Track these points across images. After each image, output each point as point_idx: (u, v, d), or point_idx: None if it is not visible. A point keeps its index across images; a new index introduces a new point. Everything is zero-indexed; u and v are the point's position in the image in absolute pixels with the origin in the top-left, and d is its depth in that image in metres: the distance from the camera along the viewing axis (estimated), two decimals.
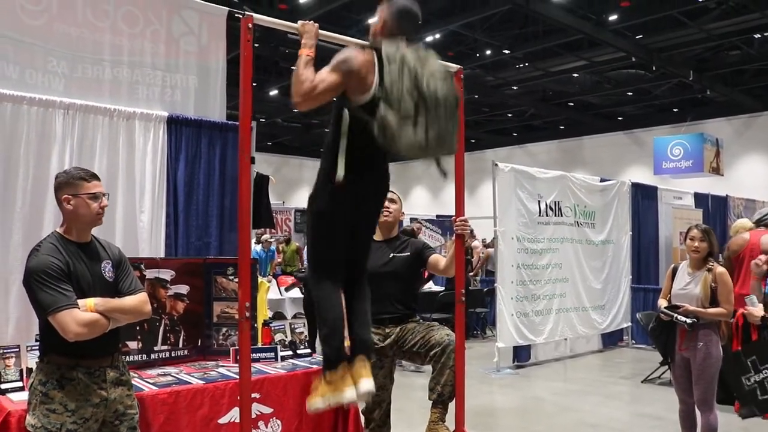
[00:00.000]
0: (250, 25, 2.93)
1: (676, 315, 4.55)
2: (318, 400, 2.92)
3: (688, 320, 4.49)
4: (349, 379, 2.94)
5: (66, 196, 2.73)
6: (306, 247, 3.33)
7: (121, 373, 2.84)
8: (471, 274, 12.38)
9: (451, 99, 2.82)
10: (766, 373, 4.39)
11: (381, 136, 2.73)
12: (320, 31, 3.17)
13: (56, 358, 2.66)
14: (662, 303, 4.75)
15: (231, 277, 4.11)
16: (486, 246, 15.36)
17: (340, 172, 2.87)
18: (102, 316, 2.66)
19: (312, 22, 3.14)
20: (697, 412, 4.63)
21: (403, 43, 2.85)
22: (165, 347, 3.93)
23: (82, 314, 2.58)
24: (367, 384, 2.94)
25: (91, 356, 2.70)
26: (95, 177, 2.83)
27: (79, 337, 2.56)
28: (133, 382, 3.01)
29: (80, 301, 2.62)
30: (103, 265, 2.81)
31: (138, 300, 2.85)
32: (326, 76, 2.81)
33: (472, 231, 16.08)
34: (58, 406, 2.62)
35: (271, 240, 15.50)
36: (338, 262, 3.14)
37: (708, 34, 13.66)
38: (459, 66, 3.89)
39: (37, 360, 2.77)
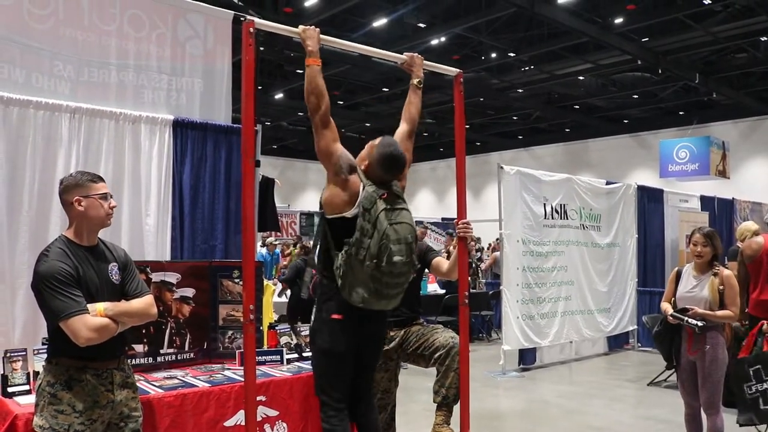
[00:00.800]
0: (251, 30, 2.95)
1: (686, 318, 4.52)
2: None
3: (699, 323, 4.47)
4: None
5: (77, 197, 2.74)
6: (315, 381, 3.52)
7: (127, 376, 2.85)
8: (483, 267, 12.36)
9: (406, 268, 3.24)
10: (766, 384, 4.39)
11: (337, 276, 3.20)
12: (322, 36, 3.21)
13: (65, 360, 2.68)
14: (666, 307, 4.72)
15: (237, 280, 4.11)
16: (480, 249, 15.32)
17: (336, 314, 3.29)
18: (111, 320, 2.67)
19: (313, 27, 3.21)
20: (703, 415, 4.61)
21: (381, 201, 3.18)
22: (171, 350, 3.93)
23: (92, 320, 2.60)
24: None
25: (99, 358, 2.71)
26: (101, 179, 2.86)
27: (89, 342, 2.58)
28: (139, 384, 3.02)
29: (90, 306, 2.63)
30: (110, 268, 2.83)
31: (145, 303, 2.86)
32: (331, 143, 3.29)
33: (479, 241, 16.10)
34: (66, 407, 2.63)
35: (276, 243, 15.52)
36: (347, 394, 3.41)
37: (714, 37, 13.64)
38: (458, 70, 3.90)
39: (44, 362, 2.79)
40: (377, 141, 3.34)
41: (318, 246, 3.43)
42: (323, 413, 3.38)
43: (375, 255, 3.07)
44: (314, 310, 3.43)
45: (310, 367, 3.89)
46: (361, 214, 3.13)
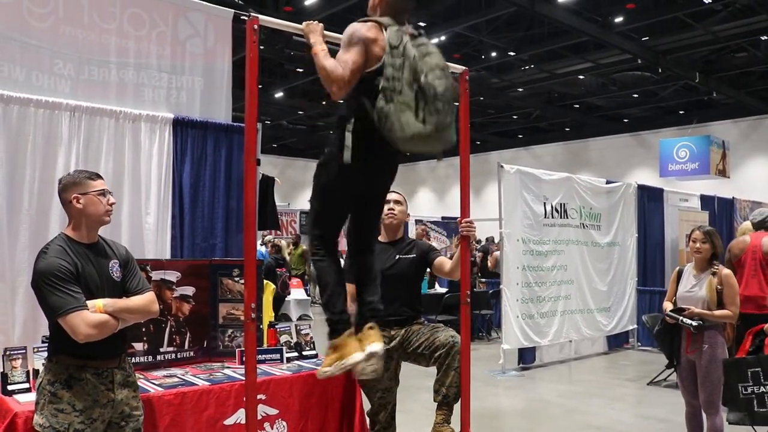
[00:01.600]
0: (255, 27, 2.93)
1: (681, 318, 4.54)
2: (326, 368, 2.95)
3: (694, 323, 4.47)
4: (355, 344, 2.96)
5: (75, 195, 2.76)
6: (308, 214, 3.34)
7: (128, 375, 2.85)
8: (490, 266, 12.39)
9: (449, 93, 2.88)
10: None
11: (381, 125, 2.81)
12: (325, 32, 3.18)
13: (65, 359, 2.68)
14: (667, 306, 4.74)
15: (237, 279, 4.11)
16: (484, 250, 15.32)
17: (347, 154, 2.92)
18: (111, 316, 2.67)
19: (316, 22, 3.16)
20: (703, 415, 4.62)
21: (407, 35, 2.90)
22: (171, 348, 3.94)
23: (91, 316, 2.60)
24: (376, 347, 2.95)
25: (99, 357, 2.72)
26: (99, 176, 2.88)
27: (89, 339, 2.58)
28: (139, 383, 3.02)
29: (89, 303, 2.63)
30: (110, 265, 2.83)
31: (146, 299, 2.86)
32: (347, 56, 2.88)
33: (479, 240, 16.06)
34: (66, 406, 2.63)
35: (276, 241, 15.51)
36: (337, 232, 3.23)
37: (714, 36, 13.63)
38: (465, 67, 3.89)
39: (44, 360, 2.79)
40: None
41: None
42: (312, 247, 3.21)
43: (411, 80, 2.83)
44: (327, 144, 3.16)
45: (310, 366, 3.90)
46: (389, 52, 2.88)
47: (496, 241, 15.31)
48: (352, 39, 2.90)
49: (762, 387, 4.36)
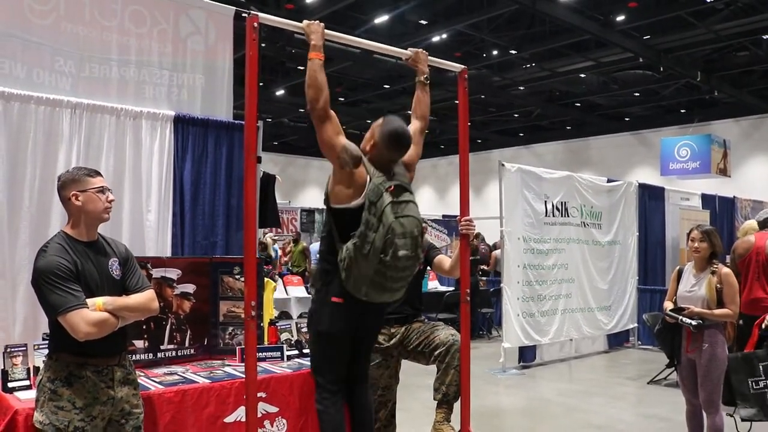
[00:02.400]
0: (255, 25, 2.94)
1: (681, 317, 4.54)
2: None
3: (693, 322, 4.47)
4: None
5: (74, 192, 2.75)
6: (310, 359, 3.52)
7: (128, 372, 2.85)
8: (484, 272, 12.38)
9: (411, 262, 3.21)
10: None
11: (340, 266, 3.15)
12: (326, 31, 3.19)
13: (65, 356, 2.68)
14: (668, 305, 4.74)
15: (237, 277, 4.11)
16: (493, 248, 15.32)
17: (337, 297, 3.25)
18: (111, 315, 2.67)
19: (318, 21, 3.18)
20: (704, 414, 4.62)
21: (388, 192, 3.14)
22: (171, 346, 3.93)
23: (91, 314, 2.60)
24: None
25: (99, 355, 2.71)
26: (99, 173, 2.87)
27: (89, 337, 2.58)
28: (139, 380, 3.02)
29: (89, 301, 2.63)
30: (110, 263, 2.82)
31: (145, 297, 2.86)
32: (333, 136, 3.21)
33: (483, 238, 16.08)
34: (66, 404, 2.63)
35: (275, 238, 15.53)
36: (342, 376, 3.41)
37: (716, 35, 13.60)
38: (463, 66, 3.89)
39: (45, 357, 2.79)
40: (381, 120, 3.30)
41: (323, 239, 3.41)
42: (318, 394, 3.37)
43: (380, 249, 3.05)
44: (314, 291, 3.41)
45: (311, 364, 3.89)
46: (367, 207, 3.09)
47: (492, 239, 15.33)
48: (345, 150, 3.19)
49: None
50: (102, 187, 2.81)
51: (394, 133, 3.23)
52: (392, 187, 3.16)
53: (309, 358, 4.11)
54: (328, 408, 3.32)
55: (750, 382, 4.39)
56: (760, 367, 4.39)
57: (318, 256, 3.56)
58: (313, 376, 3.46)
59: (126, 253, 2.95)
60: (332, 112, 3.22)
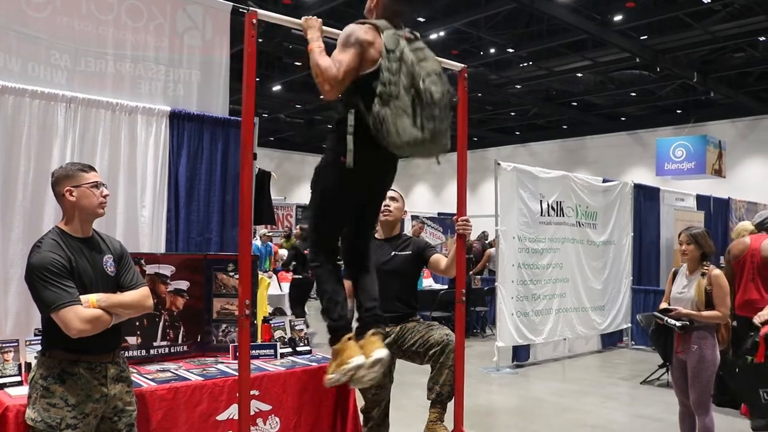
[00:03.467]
0: (254, 21, 2.92)
1: (666, 318, 4.55)
2: (331, 375, 2.96)
3: (678, 323, 4.49)
4: (356, 348, 2.97)
5: (68, 188, 2.74)
6: (307, 221, 3.36)
7: (122, 370, 2.84)
8: (472, 272, 12.37)
9: (446, 99, 2.89)
10: None
11: (377, 129, 2.81)
12: (324, 28, 3.17)
13: (58, 353, 2.66)
14: (663, 306, 4.75)
15: (231, 274, 4.10)
16: (484, 246, 15.33)
17: (349, 157, 2.90)
18: (104, 312, 2.66)
19: (315, 17, 3.15)
20: None
21: (403, 39, 2.90)
22: (164, 343, 3.92)
23: (84, 311, 2.58)
24: (380, 353, 2.97)
25: (92, 352, 2.70)
26: (92, 168, 2.86)
27: (82, 334, 2.56)
28: (132, 378, 3.00)
29: (82, 297, 2.62)
30: (104, 260, 2.81)
31: (140, 294, 2.85)
32: (342, 56, 2.87)
33: (487, 236, 16.02)
34: (58, 401, 2.62)
35: (270, 234, 15.51)
36: (337, 237, 3.23)
37: (713, 36, 13.63)
38: (463, 65, 3.88)
39: (37, 354, 2.77)
40: None
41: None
42: (312, 254, 3.23)
43: (408, 85, 2.83)
44: (324, 150, 3.17)
45: (304, 362, 3.89)
46: (385, 56, 2.88)
47: (491, 238, 15.36)
48: (349, 40, 2.90)
49: None
50: (96, 182, 2.80)
51: None
52: (406, 34, 2.98)
53: (303, 357, 4.11)
54: (324, 263, 3.16)
55: (762, 393, 4.32)
56: None
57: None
58: (309, 235, 3.30)
59: (121, 250, 2.94)
60: (345, 70, 2.90)
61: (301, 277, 10.93)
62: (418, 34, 3.06)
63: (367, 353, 2.96)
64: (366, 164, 2.97)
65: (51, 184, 2.81)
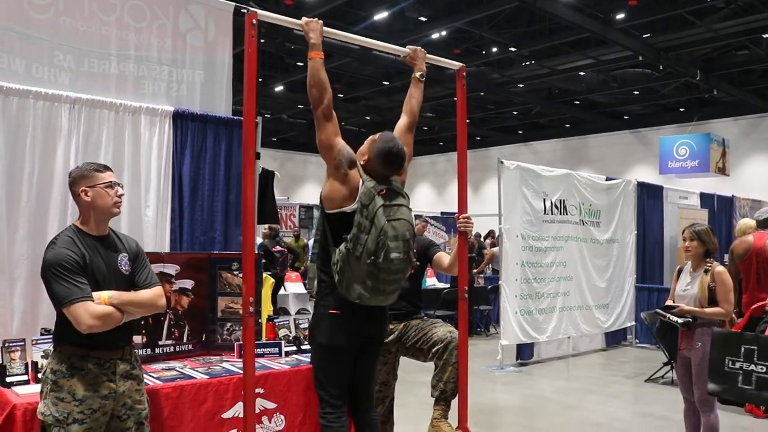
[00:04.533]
0: (254, 22, 2.94)
1: (668, 315, 4.55)
2: None
3: (680, 320, 4.48)
4: None
5: (83, 188, 2.77)
6: (314, 374, 3.52)
7: (132, 367, 2.86)
8: (475, 271, 12.38)
9: (403, 265, 3.20)
10: (760, 368, 4.31)
11: (333, 270, 3.18)
12: (325, 28, 3.20)
13: (68, 348, 2.70)
14: (667, 304, 4.75)
15: (236, 272, 4.11)
16: (489, 244, 15.34)
17: (334, 309, 3.29)
18: (116, 309, 2.68)
19: (316, 19, 3.20)
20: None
21: (380, 195, 3.16)
22: (169, 342, 3.94)
23: (95, 307, 2.61)
24: None
25: (102, 347, 2.73)
26: (108, 168, 2.89)
27: (92, 330, 2.59)
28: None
29: (94, 294, 2.65)
30: (119, 258, 2.84)
31: (153, 294, 2.87)
32: (332, 136, 3.28)
33: (492, 234, 16.05)
34: (66, 395, 2.64)
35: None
36: (345, 390, 3.42)
37: (716, 34, 13.60)
38: (461, 64, 3.89)
39: (44, 352, 2.80)
40: (377, 136, 3.33)
41: (317, 242, 3.44)
42: (321, 409, 3.39)
43: (372, 252, 3.06)
44: (313, 305, 3.44)
45: (309, 360, 3.90)
46: (359, 210, 3.11)
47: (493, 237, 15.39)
48: (341, 154, 3.27)
49: (753, 365, 4.29)
50: (111, 182, 2.84)
51: (389, 153, 3.26)
52: (384, 191, 3.17)
53: (308, 355, 4.12)
54: (332, 422, 3.34)
55: (727, 361, 4.29)
56: (742, 348, 4.31)
57: (311, 256, 3.62)
58: (316, 391, 3.47)
59: (136, 249, 2.97)
60: (333, 113, 3.25)
61: (270, 273, 11.01)
62: (399, 188, 3.33)
63: None
64: (353, 309, 3.24)
65: (68, 184, 2.85)
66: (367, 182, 3.18)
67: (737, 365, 4.24)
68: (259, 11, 2.98)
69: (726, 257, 6.36)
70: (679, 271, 4.84)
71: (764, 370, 4.18)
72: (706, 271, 4.54)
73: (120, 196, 2.86)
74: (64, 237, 2.73)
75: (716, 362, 4.27)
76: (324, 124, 3.23)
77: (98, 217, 2.82)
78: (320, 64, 3.17)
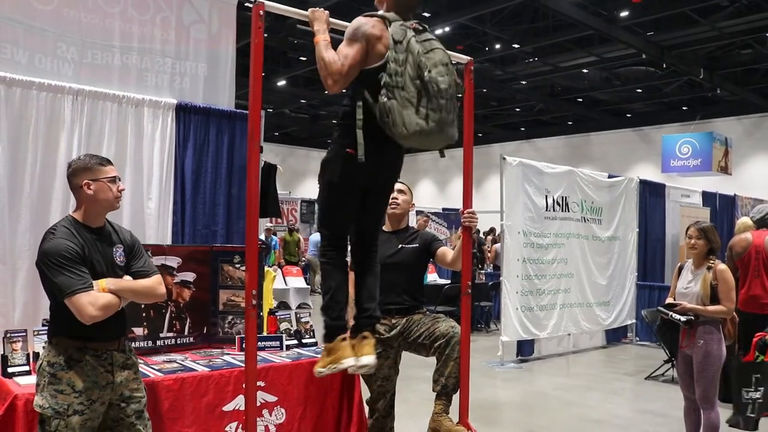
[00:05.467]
0: (261, 13, 2.92)
1: (671, 313, 4.55)
2: (320, 369, 3.06)
3: (683, 318, 4.48)
4: (348, 350, 3.03)
5: (86, 181, 2.75)
6: (317, 214, 3.40)
7: (128, 357, 2.86)
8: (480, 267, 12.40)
9: (452, 90, 2.90)
10: (758, 395, 4.39)
11: (383, 121, 2.82)
12: (331, 20, 3.17)
13: (65, 341, 2.68)
14: (669, 302, 4.75)
15: (237, 266, 4.11)
16: (490, 241, 15.36)
17: (360, 150, 2.91)
18: (114, 296, 2.67)
19: (322, 9, 3.16)
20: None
21: (411, 30, 2.90)
22: (171, 334, 3.94)
23: (98, 296, 2.61)
24: (368, 359, 3.02)
25: (99, 339, 2.72)
26: (110, 162, 2.88)
27: (95, 320, 2.59)
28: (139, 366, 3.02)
29: (93, 283, 2.64)
30: (114, 250, 2.84)
31: (152, 281, 2.87)
32: (348, 50, 2.89)
33: (495, 232, 16.00)
34: (65, 387, 2.64)
35: (274, 227, 15.57)
36: (347, 231, 3.24)
37: (720, 32, 13.58)
38: (469, 57, 3.88)
39: (45, 342, 2.79)
40: None
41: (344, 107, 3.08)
42: (322, 248, 3.25)
43: (414, 75, 2.82)
44: (330, 143, 3.18)
45: (310, 354, 3.90)
46: (392, 48, 2.87)
47: (496, 233, 15.42)
48: (356, 34, 2.91)
49: (757, 392, 4.38)
50: (114, 176, 2.82)
51: None
52: (414, 24, 2.98)
53: (309, 349, 4.13)
54: (331, 260, 3.19)
55: (743, 392, 4.41)
56: (753, 378, 4.40)
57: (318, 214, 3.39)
58: (318, 230, 3.35)
59: (132, 240, 2.96)
60: (350, 64, 2.92)
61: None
62: (426, 26, 3.06)
63: (357, 354, 3.03)
64: (373, 155, 2.96)
65: (67, 175, 2.81)
66: (394, 21, 2.95)
67: (749, 395, 4.31)
68: (266, 2, 2.97)
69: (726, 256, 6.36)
70: (680, 269, 4.84)
71: (758, 396, 4.27)
72: (708, 269, 4.54)
73: (121, 191, 2.85)
74: (62, 228, 2.71)
75: (738, 395, 4.35)
76: (348, 72, 2.90)
77: (98, 210, 2.81)
78: (325, 45, 2.97)
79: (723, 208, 13.04)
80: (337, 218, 3.21)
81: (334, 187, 3.14)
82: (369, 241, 3.35)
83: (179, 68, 4.98)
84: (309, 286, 14.46)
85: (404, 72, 2.81)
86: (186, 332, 4.01)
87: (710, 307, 4.48)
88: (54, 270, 2.59)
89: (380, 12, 3.04)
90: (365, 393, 4.11)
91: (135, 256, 2.92)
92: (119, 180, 2.86)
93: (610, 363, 9.21)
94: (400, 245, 4.12)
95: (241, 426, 3.42)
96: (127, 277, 2.83)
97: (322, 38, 2.97)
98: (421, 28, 3.00)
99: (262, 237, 13.51)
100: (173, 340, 3.95)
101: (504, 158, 8.55)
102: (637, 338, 10.65)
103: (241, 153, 5.00)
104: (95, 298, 2.59)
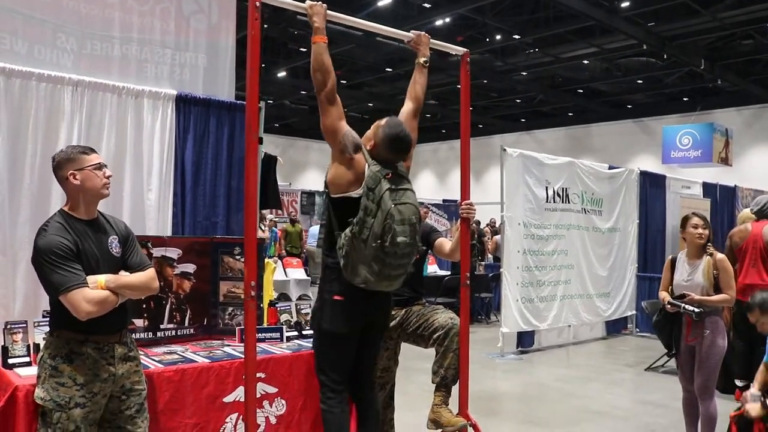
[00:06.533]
0: (258, 4, 2.93)
1: (683, 305, 4.52)
2: None
3: (697, 310, 4.47)
4: None
5: (71, 171, 2.73)
6: (314, 360, 3.53)
7: (129, 349, 2.86)
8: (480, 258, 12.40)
9: (409, 249, 3.18)
10: None
11: (338, 254, 3.19)
12: (329, 12, 3.18)
13: (66, 333, 2.68)
14: (664, 295, 4.71)
15: (238, 257, 4.11)
16: (490, 232, 15.36)
17: (338, 295, 3.28)
18: (111, 292, 2.67)
19: (320, 3, 3.19)
20: None
21: (385, 179, 3.14)
22: (171, 325, 3.94)
23: (92, 293, 2.60)
24: None
25: (100, 332, 2.72)
26: (93, 150, 2.84)
27: (90, 316, 2.58)
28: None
29: (90, 278, 2.63)
30: (109, 241, 2.82)
31: (146, 276, 2.86)
32: (337, 120, 3.25)
33: (493, 224, 16.04)
34: (67, 380, 2.64)
35: (275, 219, 15.55)
36: (346, 375, 3.41)
37: (721, 23, 13.53)
38: (465, 49, 3.87)
39: (46, 334, 2.79)
40: (383, 121, 3.31)
41: (322, 227, 3.44)
42: (322, 394, 3.39)
43: (379, 235, 3.05)
44: (318, 290, 3.43)
45: (310, 345, 3.90)
46: (365, 193, 3.10)
47: (496, 225, 15.41)
48: (347, 139, 3.25)
49: None
50: (99, 163, 2.79)
51: (396, 138, 3.24)
52: (390, 174, 3.16)
53: (309, 340, 4.13)
54: (333, 408, 3.33)
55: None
56: None
57: (317, 242, 3.61)
58: (317, 376, 3.47)
59: (126, 231, 2.94)
60: (338, 97, 3.22)
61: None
62: (404, 172, 3.33)
63: None
64: (357, 295, 3.23)
65: (53, 168, 2.79)
66: (372, 166, 3.17)
67: None
68: None
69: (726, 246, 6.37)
70: (672, 261, 4.82)
71: None
72: (710, 255, 4.54)
73: (108, 177, 2.82)
74: (54, 223, 2.69)
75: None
76: (328, 108, 3.21)
77: (87, 200, 2.78)
78: (324, 49, 3.17)
79: (723, 199, 13.03)
80: (335, 364, 3.39)
81: (327, 334, 3.36)
82: (367, 382, 3.56)
83: (179, 59, 4.97)
84: (309, 278, 14.47)
85: (371, 225, 3.08)
86: (186, 324, 4.02)
87: (715, 297, 4.49)
88: (47, 268, 2.58)
89: (365, 151, 3.29)
90: None
91: (129, 248, 2.90)
92: (105, 166, 2.83)
93: (611, 354, 9.23)
94: None
95: (241, 417, 3.43)
96: (123, 272, 2.82)
97: (321, 39, 3.17)
98: (397, 175, 3.24)
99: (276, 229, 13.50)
100: (173, 332, 3.95)
101: (504, 149, 8.54)
102: (637, 329, 10.67)
103: (242, 144, 4.99)
104: (89, 294, 2.58)
